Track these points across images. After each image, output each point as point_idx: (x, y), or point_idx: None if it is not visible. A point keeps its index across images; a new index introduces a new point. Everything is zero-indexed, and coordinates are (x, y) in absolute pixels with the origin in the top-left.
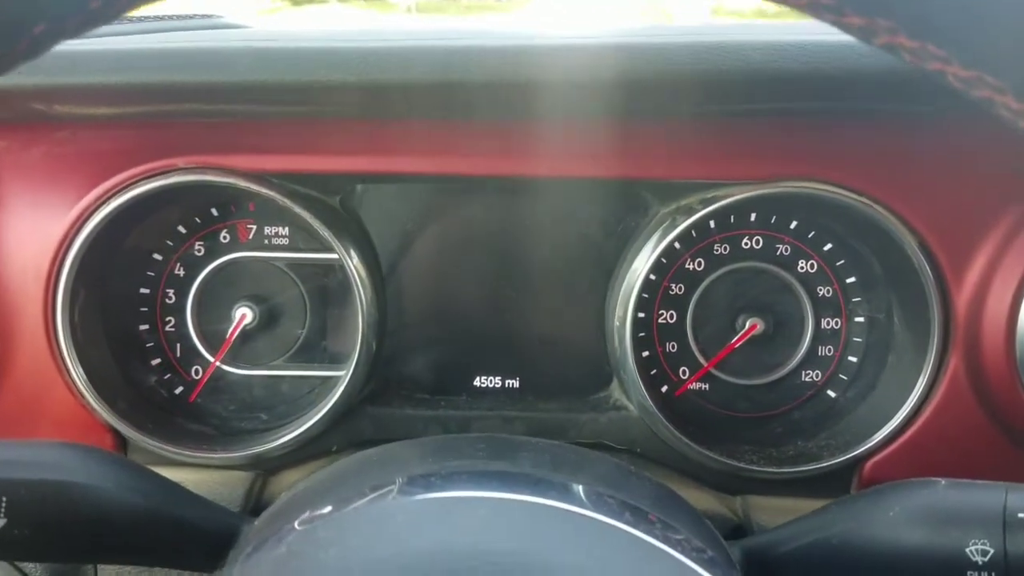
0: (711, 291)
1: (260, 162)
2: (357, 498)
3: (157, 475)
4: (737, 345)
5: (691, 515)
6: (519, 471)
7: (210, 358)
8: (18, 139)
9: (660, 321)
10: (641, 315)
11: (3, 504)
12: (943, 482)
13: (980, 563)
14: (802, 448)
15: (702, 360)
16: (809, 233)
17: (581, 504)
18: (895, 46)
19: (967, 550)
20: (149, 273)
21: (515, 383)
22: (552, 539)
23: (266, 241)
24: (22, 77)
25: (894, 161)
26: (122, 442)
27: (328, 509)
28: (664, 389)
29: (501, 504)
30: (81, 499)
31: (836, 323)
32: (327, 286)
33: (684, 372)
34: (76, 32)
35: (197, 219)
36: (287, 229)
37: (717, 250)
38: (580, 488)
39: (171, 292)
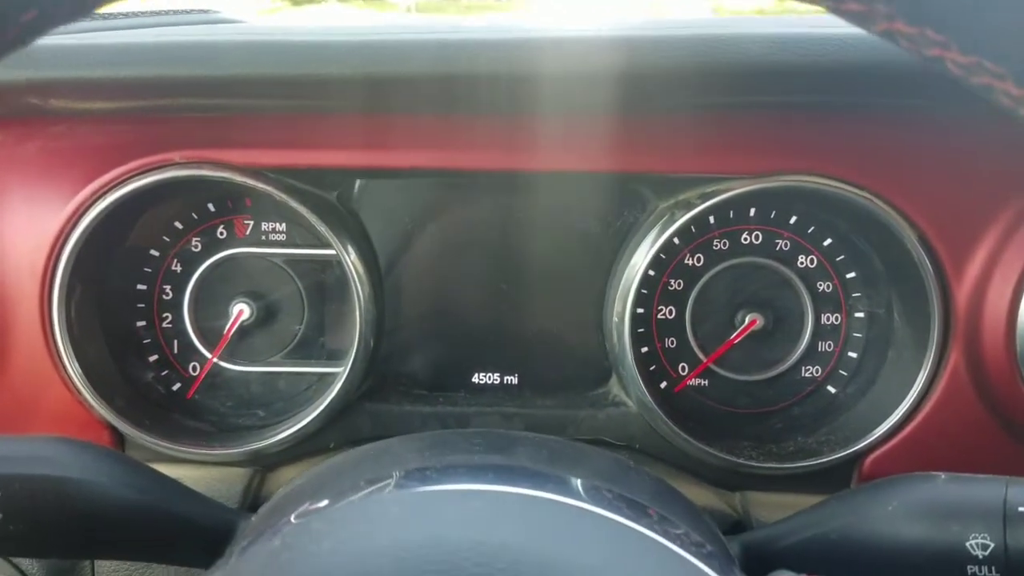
0: (710, 287)
1: (256, 157)
2: (353, 492)
3: (154, 471)
4: (736, 341)
5: (690, 510)
6: (516, 465)
7: (207, 354)
8: (13, 134)
9: (659, 317)
10: (640, 311)
11: None
12: (943, 476)
13: (980, 557)
14: (802, 444)
15: (701, 356)
16: (809, 228)
17: (579, 498)
18: (893, 32)
19: (967, 544)
20: (146, 269)
21: (514, 379)
22: (549, 533)
23: (263, 237)
24: (18, 71)
25: (894, 155)
26: (119, 439)
27: (325, 503)
28: (663, 385)
29: (498, 497)
30: (77, 495)
31: (836, 318)
32: (324, 282)
33: (683, 368)
34: (68, 19)
35: (194, 215)
36: (284, 225)
37: (716, 245)
38: (578, 482)
39: (168, 288)
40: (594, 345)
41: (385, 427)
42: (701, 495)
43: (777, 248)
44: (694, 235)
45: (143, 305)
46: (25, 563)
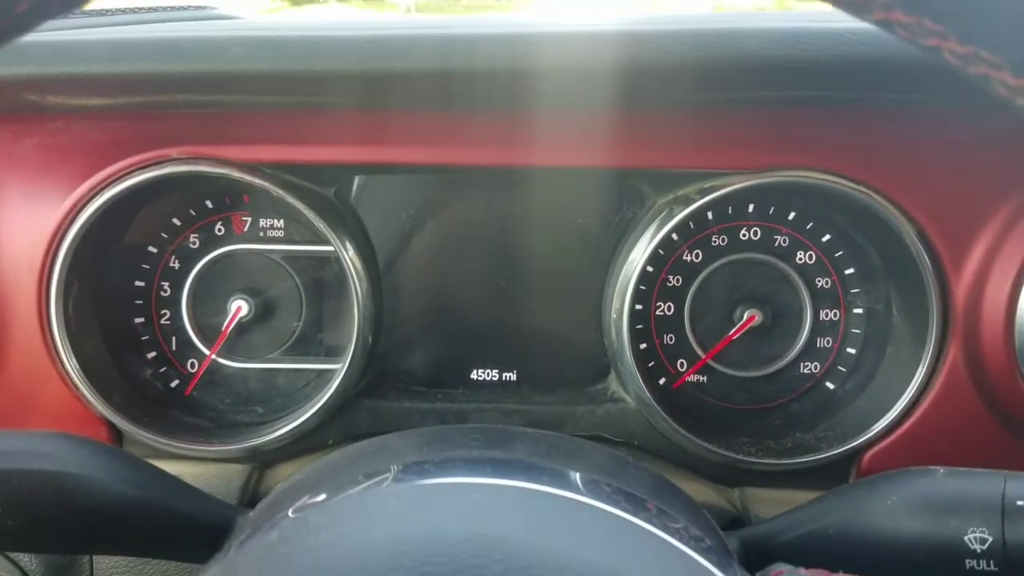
0: (709, 283)
1: (254, 153)
2: (351, 486)
3: (152, 466)
4: (735, 337)
5: (688, 505)
6: (514, 459)
7: (206, 351)
8: (11, 130)
9: (658, 313)
10: (638, 307)
11: None
12: (941, 470)
13: (979, 551)
14: (800, 440)
15: (700, 352)
16: (807, 224)
17: (577, 491)
18: (891, 21)
19: (966, 538)
20: (144, 266)
21: (512, 376)
22: (547, 526)
23: (261, 233)
24: (14, 67)
25: (892, 150)
26: (117, 435)
27: (322, 497)
28: (662, 381)
29: (495, 491)
30: (76, 490)
31: (835, 314)
32: (323, 278)
33: (682, 364)
34: (60, 11)
35: (192, 211)
36: (282, 221)
37: (715, 241)
38: (576, 476)
39: (166, 285)
40: (593, 341)
41: (384, 423)
42: (700, 491)
43: (775, 244)
44: (693, 231)
45: (141, 302)
46: (24, 559)
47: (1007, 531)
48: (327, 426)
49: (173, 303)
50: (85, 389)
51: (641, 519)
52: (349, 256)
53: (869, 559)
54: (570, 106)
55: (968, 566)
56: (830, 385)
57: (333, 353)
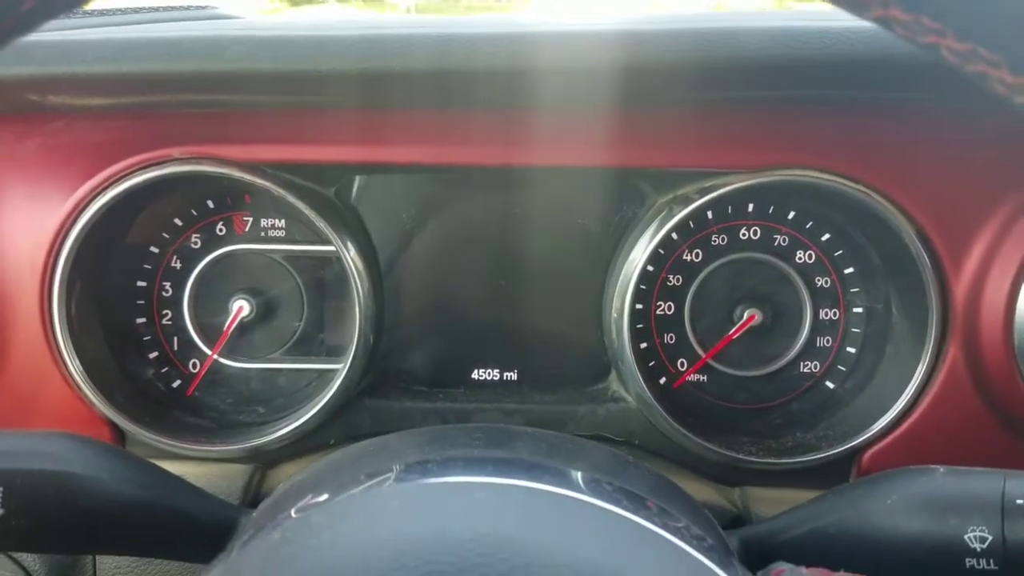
0: (709, 282)
1: (255, 152)
2: (353, 485)
3: (155, 466)
4: (735, 336)
5: (689, 504)
6: (516, 458)
7: (207, 351)
8: (13, 130)
9: (658, 312)
10: (639, 306)
11: (0, 495)
12: (941, 469)
13: (979, 550)
14: (801, 439)
15: (700, 351)
16: (807, 223)
17: (579, 490)
18: (888, 19)
19: (966, 537)
20: (146, 266)
21: (513, 375)
22: (550, 525)
23: (262, 233)
24: (17, 67)
25: (892, 149)
26: (120, 435)
27: (325, 497)
28: (662, 381)
29: (498, 490)
30: (79, 490)
31: (834, 314)
32: (324, 278)
33: (682, 364)
34: (64, 9)
35: (193, 211)
36: (283, 221)
37: (715, 241)
38: (578, 475)
39: (168, 285)
40: (593, 341)
41: (385, 423)
42: (700, 490)
43: (775, 243)
44: (692, 230)
45: (143, 302)
46: (27, 559)
47: (1007, 530)
48: (329, 426)
49: (175, 303)
50: (87, 389)
51: (642, 518)
52: (350, 256)
53: (869, 558)
54: (570, 106)
55: (968, 565)
56: (830, 384)
57: (334, 353)
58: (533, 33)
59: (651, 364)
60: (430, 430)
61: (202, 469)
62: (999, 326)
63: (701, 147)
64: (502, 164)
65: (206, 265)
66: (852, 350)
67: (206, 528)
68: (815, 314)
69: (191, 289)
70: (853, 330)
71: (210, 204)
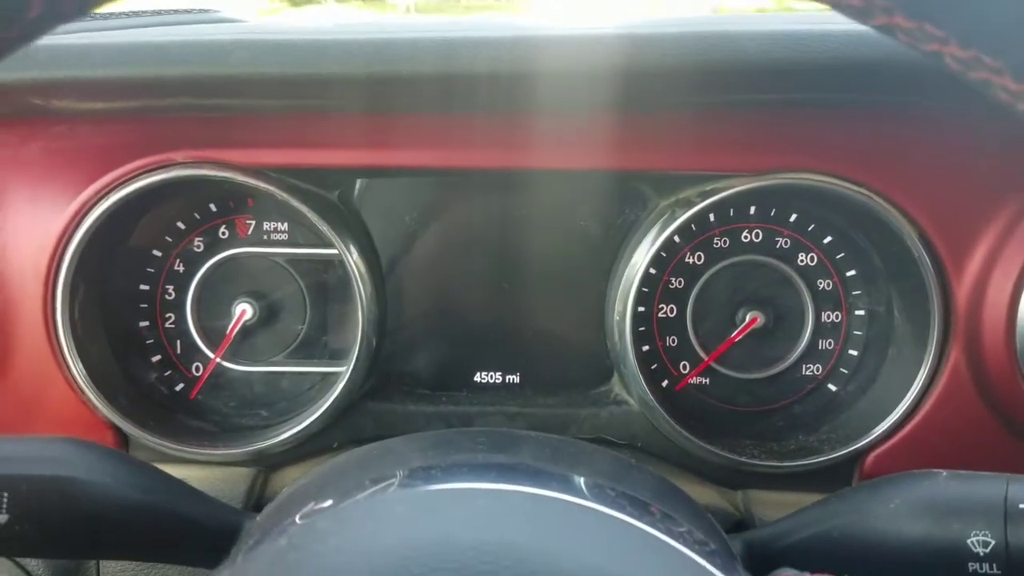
0: (711, 285)
1: (258, 156)
2: (358, 491)
3: (158, 471)
4: (737, 339)
5: (692, 508)
6: (519, 463)
7: (210, 354)
8: (16, 134)
9: (660, 315)
10: (641, 309)
11: (4, 500)
12: (944, 473)
13: (981, 554)
14: (803, 442)
15: (702, 354)
16: (809, 226)
17: (582, 496)
18: (892, 27)
19: (968, 541)
20: (149, 269)
21: (516, 379)
22: (552, 531)
23: (265, 237)
24: (20, 71)
25: (893, 152)
26: (123, 439)
27: (329, 503)
28: (665, 384)
29: (501, 496)
30: (83, 495)
31: (836, 316)
32: (327, 282)
33: (684, 366)
34: (73, 16)
35: (196, 215)
36: (286, 224)
37: (717, 243)
38: (581, 480)
39: (171, 288)
40: (595, 344)
41: (388, 427)
42: (703, 494)
43: (777, 246)
44: (694, 233)
45: (146, 305)
46: (31, 563)
47: (1010, 534)
48: (332, 429)
49: (178, 306)
50: (91, 393)
51: (646, 524)
52: (353, 259)
53: (872, 562)
54: (572, 109)
55: (971, 569)
56: (832, 387)
57: (337, 356)
58: (535, 37)
59: (653, 367)
60: (433, 434)
61: (205, 473)
62: (1001, 329)
63: (703, 150)
64: (504, 167)
65: (209, 268)
66: (854, 353)
67: (209, 533)
68: (817, 317)
69: (194, 292)
70: (855, 333)
71: (213, 207)
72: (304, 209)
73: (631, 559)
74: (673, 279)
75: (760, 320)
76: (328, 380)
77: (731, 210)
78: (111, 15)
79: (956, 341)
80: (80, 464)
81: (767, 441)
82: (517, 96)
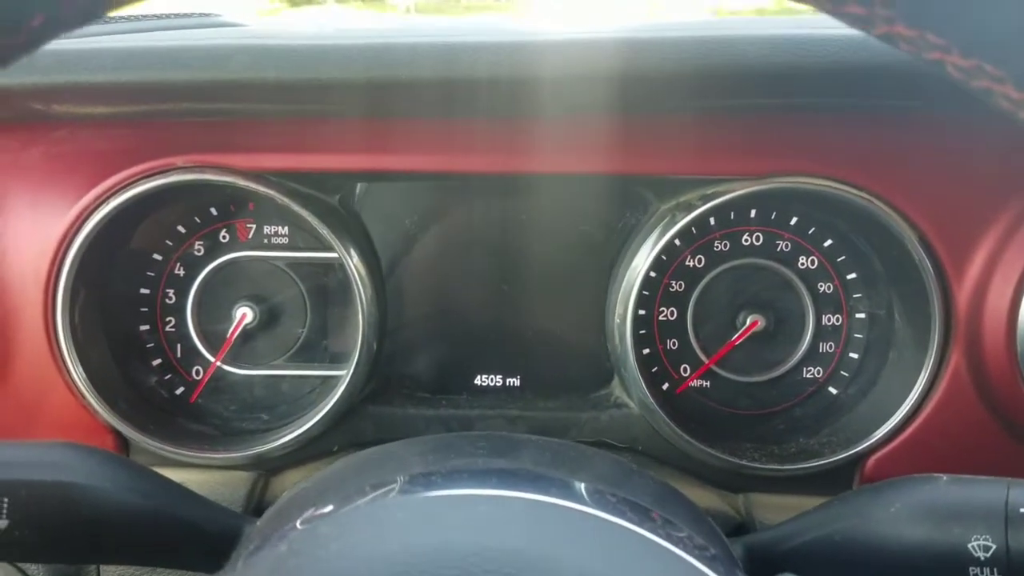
0: (712, 288)
1: (258, 161)
2: (358, 496)
3: (158, 475)
4: (738, 342)
5: (693, 512)
6: (520, 469)
7: (211, 358)
8: (17, 139)
9: (661, 318)
10: (642, 312)
11: (4, 505)
12: (945, 478)
13: (982, 559)
14: (804, 445)
15: (703, 357)
16: (809, 229)
17: (583, 502)
18: (893, 36)
19: (969, 546)
20: (149, 273)
21: (516, 382)
22: (553, 537)
23: (266, 240)
24: (20, 76)
25: (894, 156)
26: (123, 443)
27: (330, 508)
28: (665, 387)
29: (502, 502)
30: (83, 500)
31: (837, 319)
32: (327, 285)
33: (685, 369)
34: (76, 24)
35: (197, 219)
36: (287, 228)
37: (717, 247)
38: (581, 486)
39: (171, 292)
40: (596, 347)
41: (388, 430)
42: (704, 497)
43: (778, 249)
44: (695, 236)
45: (146, 309)
46: (31, 568)
47: (1010, 539)
48: (332, 433)
49: (178, 310)
50: (91, 397)
51: (646, 530)
52: (353, 263)
53: (873, 566)
54: (572, 113)
55: (972, 574)
56: (833, 390)
57: (338, 360)
58: (536, 42)
59: (654, 370)
60: (434, 439)
61: (205, 476)
62: (1002, 332)
63: (703, 154)
64: (505, 172)
65: (209, 272)
66: (855, 356)
67: (210, 537)
68: (818, 320)
69: (194, 296)
70: (856, 336)
71: (213, 211)
72: (304, 213)
73: (631, 565)
74: (674, 282)
75: (761, 323)
76: (328, 384)
77: (732, 213)
78: (110, 20)
79: (957, 344)
80: (80, 469)
81: (768, 444)
82: (517, 100)
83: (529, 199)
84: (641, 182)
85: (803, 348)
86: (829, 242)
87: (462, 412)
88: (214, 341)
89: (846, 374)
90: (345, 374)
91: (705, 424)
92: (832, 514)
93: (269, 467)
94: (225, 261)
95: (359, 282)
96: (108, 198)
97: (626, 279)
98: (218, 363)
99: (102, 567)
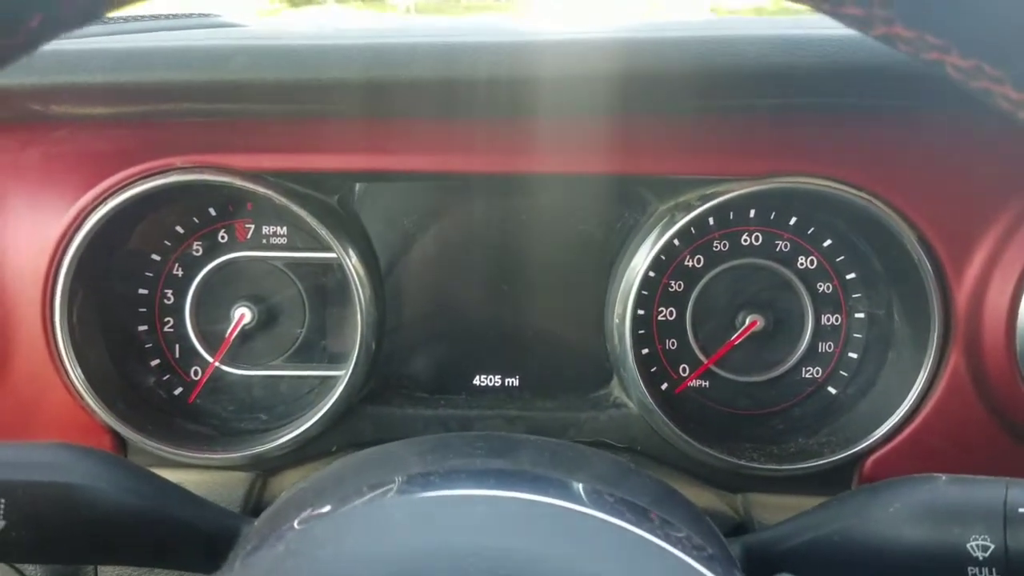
0: (711, 288)
1: (257, 161)
2: (356, 497)
3: (156, 476)
4: (737, 342)
5: (691, 512)
6: (518, 469)
7: (209, 358)
8: (16, 139)
9: (660, 318)
10: (641, 312)
11: (1, 506)
12: (944, 478)
13: (981, 558)
14: (803, 445)
15: (702, 357)
16: (809, 229)
17: (581, 502)
18: (892, 36)
19: (968, 545)
20: (147, 273)
21: (515, 382)
22: (552, 537)
23: (264, 241)
24: (19, 77)
25: (893, 156)
26: (122, 443)
27: (327, 508)
28: (664, 387)
29: (500, 502)
30: (81, 500)
31: (836, 319)
32: (326, 285)
33: (684, 369)
34: (75, 24)
35: (195, 219)
36: (285, 228)
37: (716, 247)
38: (580, 486)
39: (169, 292)
40: (595, 347)
41: (387, 430)
42: (703, 497)
43: (777, 249)
44: (694, 236)
45: (145, 309)
46: (29, 569)
47: (1009, 539)
48: (330, 433)
49: (177, 311)
50: (89, 398)
51: (644, 530)
52: (352, 263)
53: (872, 566)
54: (571, 113)
55: (971, 573)
56: (832, 390)
57: (336, 360)
58: (535, 42)
59: (653, 370)
60: (432, 439)
61: (203, 477)
62: (1001, 332)
63: (702, 154)
64: (504, 172)
65: (208, 272)
66: (854, 356)
67: (207, 537)
68: (817, 320)
69: (193, 296)
70: (855, 336)
71: (212, 212)
72: (303, 213)
73: (629, 565)
74: (673, 282)
75: (760, 323)
76: (327, 384)
77: (731, 213)
78: (110, 20)
79: (956, 344)
80: (77, 469)
81: (767, 444)
82: (516, 101)
83: (528, 199)
84: (640, 182)
85: (802, 348)
86: (828, 242)
87: (461, 412)
88: (212, 341)
89: (845, 374)
90: (344, 374)
91: (704, 424)
92: (831, 514)
93: (267, 467)
94: (224, 261)
95: (358, 282)
96: (107, 198)
97: (625, 279)
98: (216, 363)
99: (100, 568)
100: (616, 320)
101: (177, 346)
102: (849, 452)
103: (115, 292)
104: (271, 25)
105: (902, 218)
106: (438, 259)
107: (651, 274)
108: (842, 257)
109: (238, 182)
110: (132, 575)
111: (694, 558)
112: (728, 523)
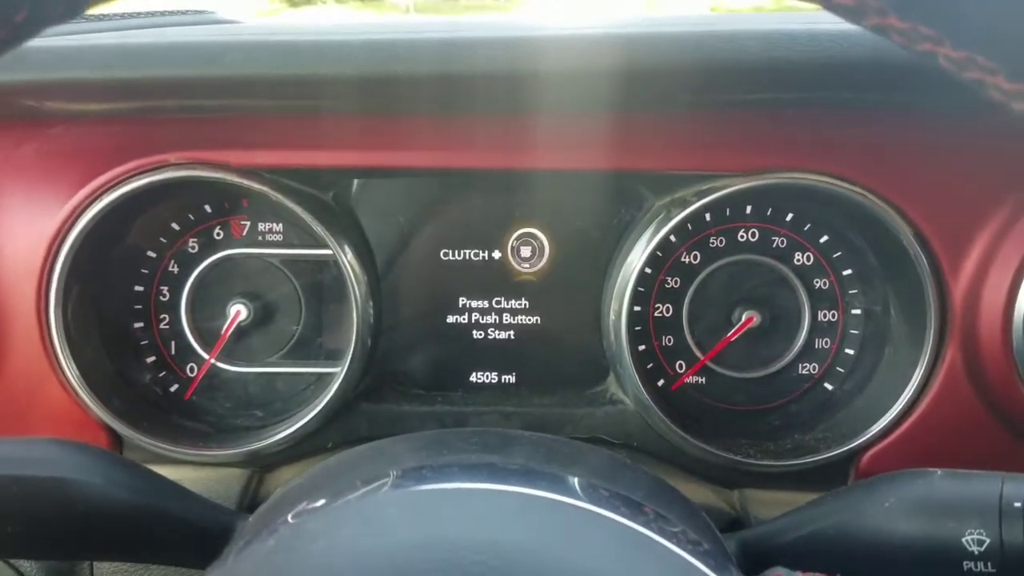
0: (707, 284)
1: (252, 157)
2: (350, 491)
3: (151, 472)
4: (734, 338)
5: (687, 507)
6: (512, 463)
7: (205, 355)
8: (10, 136)
9: (656, 315)
10: (637, 309)
11: None
12: (939, 472)
13: (976, 553)
14: (799, 441)
15: (698, 354)
16: (805, 225)
17: (575, 496)
18: (885, 27)
19: (963, 540)
20: (143, 270)
21: (511, 378)
22: (546, 532)
23: (260, 237)
24: (14, 73)
25: (889, 151)
26: (117, 440)
27: (322, 503)
28: (660, 383)
29: (494, 496)
30: (76, 496)
31: (833, 315)
32: (322, 282)
33: (680, 366)
34: (60, 19)
35: (191, 216)
36: (281, 225)
37: (713, 243)
38: (574, 480)
39: (165, 289)
40: (591, 343)
41: (383, 427)
42: (699, 493)
43: (773, 245)
44: (691, 232)
45: (140, 306)
46: (24, 564)
47: (1005, 533)
48: (326, 430)
49: (172, 307)
50: (84, 394)
51: (639, 524)
52: (348, 260)
53: (867, 561)
54: (569, 110)
55: (966, 568)
56: (828, 386)
57: (332, 357)
58: (533, 38)
59: (649, 366)
60: (426, 435)
61: (199, 473)
62: (998, 327)
63: (699, 150)
64: (502, 168)
65: (203, 269)
66: (851, 352)
67: (202, 533)
68: (813, 316)
69: (188, 293)
70: (851, 332)
71: (207, 208)
72: (299, 210)
73: (624, 560)
74: (669, 278)
75: (756, 319)
76: (323, 380)
77: (727, 209)
78: (105, 17)
79: (952, 340)
80: (71, 465)
81: (763, 440)
82: (513, 97)
83: (524, 195)
84: (637, 178)
85: (799, 344)
86: (825, 238)
87: (457, 409)
88: (208, 338)
89: (842, 370)
90: (340, 371)
91: (700, 420)
92: (826, 509)
93: (263, 464)
94: (219, 258)
95: (353, 279)
96: (101, 195)
97: (621, 275)
98: (212, 360)
99: (95, 564)
100: (612, 316)
101: (173, 343)
102: (845, 448)
103: (110, 289)
104: (267, 22)
105: (898, 214)
106: (435, 256)
107: (647, 270)
108: (838, 253)
109: (233, 178)
110: (128, 571)
111: (689, 553)
112: (724, 519)
